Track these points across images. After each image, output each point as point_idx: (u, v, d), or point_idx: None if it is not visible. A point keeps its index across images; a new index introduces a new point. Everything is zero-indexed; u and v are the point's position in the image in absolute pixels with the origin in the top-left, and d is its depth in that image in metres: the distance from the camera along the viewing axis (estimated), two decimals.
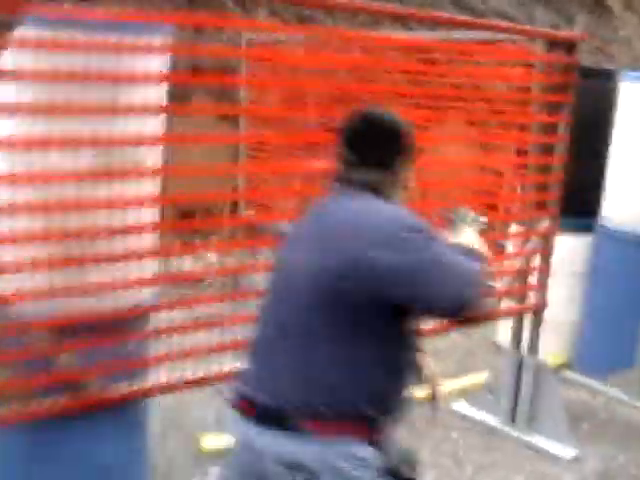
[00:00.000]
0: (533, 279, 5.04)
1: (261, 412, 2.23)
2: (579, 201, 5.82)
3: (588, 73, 5.50)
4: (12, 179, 2.84)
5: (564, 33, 5.03)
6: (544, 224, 4.90)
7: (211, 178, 3.89)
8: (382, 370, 2.22)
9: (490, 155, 6.12)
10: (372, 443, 2.22)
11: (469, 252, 2.33)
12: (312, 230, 2.30)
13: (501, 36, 5.09)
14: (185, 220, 4.90)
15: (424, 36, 6.08)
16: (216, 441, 4.48)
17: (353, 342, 2.17)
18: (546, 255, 4.99)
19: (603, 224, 6.08)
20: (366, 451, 2.20)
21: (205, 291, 6.29)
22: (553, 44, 4.81)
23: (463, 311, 2.15)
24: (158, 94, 3.16)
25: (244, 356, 2.41)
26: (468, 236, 2.52)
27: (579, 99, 4.91)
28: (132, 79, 3.00)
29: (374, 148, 2.34)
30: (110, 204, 3.01)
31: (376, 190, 2.31)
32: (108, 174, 2.98)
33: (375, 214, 2.22)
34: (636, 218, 5.79)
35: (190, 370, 3.63)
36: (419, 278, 2.13)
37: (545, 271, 5.01)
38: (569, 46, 4.84)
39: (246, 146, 7.40)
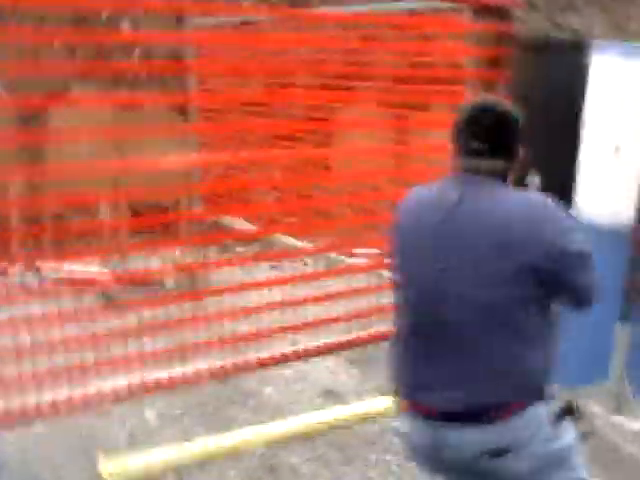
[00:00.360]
0: None
1: (449, 414, 2.40)
2: (551, 190, 4.91)
3: (550, 46, 4.86)
4: None
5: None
6: None
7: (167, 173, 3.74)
8: (545, 349, 2.44)
9: (414, 141, 5.35)
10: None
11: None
12: (464, 225, 2.38)
13: (430, 5, 4.84)
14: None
15: (348, 11, 5.79)
16: (120, 465, 4.05)
17: (526, 331, 2.37)
18: None
19: (576, 216, 4.96)
20: (541, 409, 2.43)
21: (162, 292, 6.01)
22: (481, 11, 4.36)
23: (594, 298, 2.46)
24: None
25: (397, 361, 2.59)
26: None
27: (543, 78, 4.53)
28: None
29: (501, 138, 2.46)
30: None
31: (504, 178, 2.47)
32: None
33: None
34: (612, 209, 4.89)
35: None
36: (586, 263, 2.38)
37: None
38: (501, 13, 4.40)
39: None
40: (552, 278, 2.33)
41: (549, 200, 2.39)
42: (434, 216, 2.44)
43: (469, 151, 2.45)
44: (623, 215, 4.71)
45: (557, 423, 2.49)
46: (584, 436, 3.03)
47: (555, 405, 2.52)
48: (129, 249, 5.72)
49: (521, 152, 2.50)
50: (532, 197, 2.44)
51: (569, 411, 2.57)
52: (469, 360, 2.38)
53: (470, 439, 2.39)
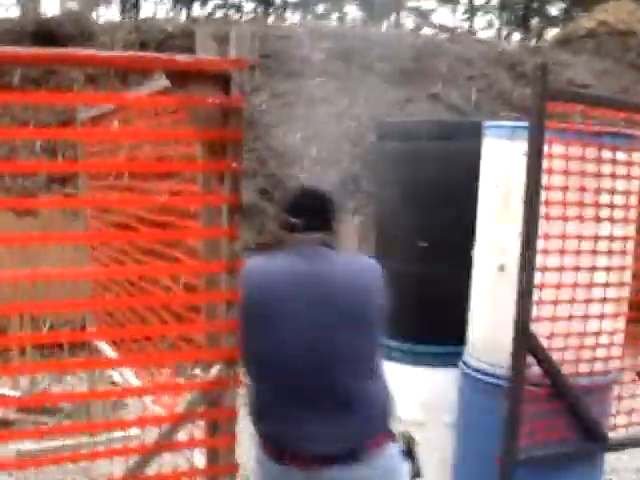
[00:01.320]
0: None
1: (322, 457, 2.77)
2: (440, 319, 4.46)
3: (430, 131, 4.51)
4: None
5: (208, 60, 2.98)
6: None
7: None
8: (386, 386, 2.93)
9: None
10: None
11: None
12: (309, 290, 2.84)
13: None
14: None
15: None
16: None
17: (375, 376, 2.90)
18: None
19: (466, 359, 4.20)
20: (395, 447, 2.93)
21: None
22: (194, 80, 2.88)
23: None
24: None
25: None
26: None
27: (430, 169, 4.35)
28: None
29: (322, 216, 2.97)
30: None
31: (330, 246, 2.95)
32: None
33: (368, 268, 3.00)
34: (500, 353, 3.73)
35: None
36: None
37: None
38: (222, 80, 2.92)
39: None
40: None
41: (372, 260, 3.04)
42: (290, 284, 2.83)
43: (298, 228, 2.89)
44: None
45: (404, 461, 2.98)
46: (416, 476, 3.22)
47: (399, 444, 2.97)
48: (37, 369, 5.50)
49: (338, 226, 3.00)
50: (361, 259, 3.03)
51: (409, 451, 3.09)
52: (340, 407, 2.76)
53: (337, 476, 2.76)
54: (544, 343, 3.61)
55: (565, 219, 3.62)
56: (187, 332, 3.32)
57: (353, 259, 3.00)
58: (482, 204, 4.04)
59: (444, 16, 39.31)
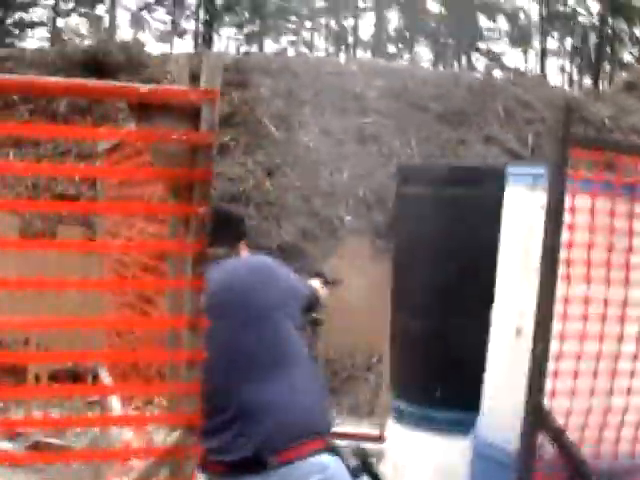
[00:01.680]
0: None
1: (232, 464, 2.80)
2: (455, 381, 4.01)
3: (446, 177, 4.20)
4: None
5: (173, 91, 2.67)
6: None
7: None
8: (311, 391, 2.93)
9: None
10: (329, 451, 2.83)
11: None
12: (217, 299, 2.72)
13: None
14: None
15: None
16: None
17: (290, 378, 2.91)
18: None
19: (479, 433, 3.80)
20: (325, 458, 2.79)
21: None
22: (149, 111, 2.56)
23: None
24: None
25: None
26: None
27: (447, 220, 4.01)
28: None
29: (223, 233, 3.04)
30: None
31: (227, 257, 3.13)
32: None
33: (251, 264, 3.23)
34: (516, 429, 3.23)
35: None
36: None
37: None
38: (191, 114, 2.57)
39: None
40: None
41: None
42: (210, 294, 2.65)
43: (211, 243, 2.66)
44: None
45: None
46: None
47: (351, 461, 2.88)
48: None
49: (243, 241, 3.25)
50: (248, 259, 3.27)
51: (366, 468, 2.98)
52: (245, 413, 2.81)
53: None
54: (560, 420, 3.18)
55: (589, 281, 3.20)
56: (146, 393, 3.00)
57: (240, 261, 3.19)
58: (502, 259, 3.65)
59: (516, 59, 38.86)
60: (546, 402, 3.15)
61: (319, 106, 11.20)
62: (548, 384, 3.16)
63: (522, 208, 3.47)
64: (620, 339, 3.29)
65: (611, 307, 3.26)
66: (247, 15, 44.02)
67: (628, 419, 3.35)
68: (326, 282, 3.73)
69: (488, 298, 3.74)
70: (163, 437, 3.27)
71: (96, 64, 10.68)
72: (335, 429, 6.96)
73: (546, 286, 3.08)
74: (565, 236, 3.11)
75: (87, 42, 10.82)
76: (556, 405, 3.18)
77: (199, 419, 2.82)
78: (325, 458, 2.83)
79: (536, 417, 3.11)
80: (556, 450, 3.19)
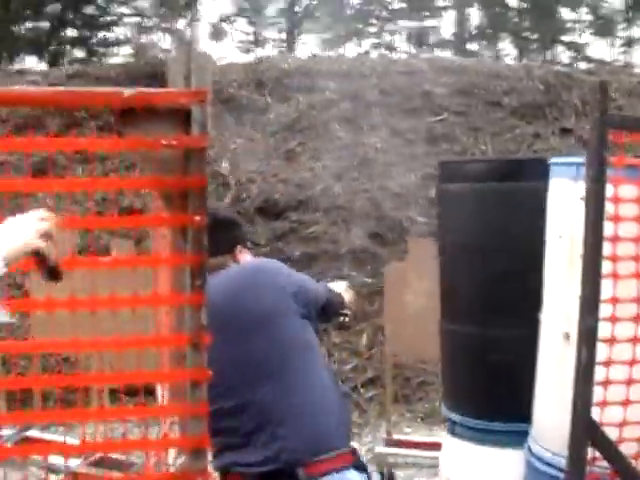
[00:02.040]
0: None
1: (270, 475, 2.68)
2: (507, 391, 3.75)
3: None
4: None
5: (158, 94, 2.42)
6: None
7: None
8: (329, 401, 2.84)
9: None
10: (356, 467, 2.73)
11: None
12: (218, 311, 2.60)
13: None
14: None
15: None
16: None
17: (303, 387, 2.79)
18: None
19: (531, 445, 3.44)
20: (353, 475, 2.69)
21: None
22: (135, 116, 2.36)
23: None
24: None
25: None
26: None
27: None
28: None
29: (215, 240, 2.65)
30: None
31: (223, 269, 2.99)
32: None
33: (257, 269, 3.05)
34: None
35: None
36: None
37: None
38: (182, 117, 2.35)
39: None
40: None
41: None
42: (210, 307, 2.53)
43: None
44: None
45: None
46: None
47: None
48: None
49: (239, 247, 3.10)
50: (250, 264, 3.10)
51: None
52: (261, 426, 2.71)
53: None
54: (613, 433, 2.88)
55: None
56: (145, 414, 2.82)
57: (236, 268, 3.03)
58: (547, 258, 3.36)
59: (601, 50, 37.89)
60: (595, 413, 2.87)
61: (387, 107, 10.96)
62: (597, 393, 2.87)
63: (566, 201, 3.17)
64: None
65: None
66: (328, 20, 44.13)
67: None
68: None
69: (540, 301, 3.46)
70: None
71: (159, 75, 10.68)
72: (407, 437, 6.74)
73: (589, 286, 2.79)
74: (609, 229, 2.82)
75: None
76: (607, 416, 2.89)
77: (207, 441, 2.64)
78: (353, 475, 2.74)
79: (583, 429, 2.82)
80: (610, 465, 2.90)
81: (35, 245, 1.71)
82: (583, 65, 25.85)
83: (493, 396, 3.78)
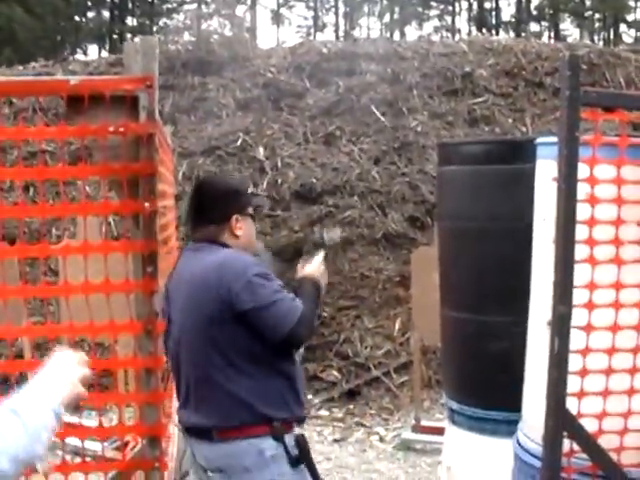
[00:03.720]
0: None
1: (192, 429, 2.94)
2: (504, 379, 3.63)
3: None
4: None
5: (103, 81, 2.62)
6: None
7: None
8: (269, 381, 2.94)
9: None
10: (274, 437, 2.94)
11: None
12: (184, 287, 2.89)
13: None
14: None
15: None
16: None
17: (245, 368, 2.89)
18: None
19: (519, 437, 3.32)
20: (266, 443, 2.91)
21: None
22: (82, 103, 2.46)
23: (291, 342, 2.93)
24: None
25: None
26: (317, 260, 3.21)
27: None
28: None
29: (207, 209, 2.99)
30: None
31: (215, 241, 2.98)
32: None
33: (228, 264, 2.89)
34: None
35: None
36: (264, 314, 2.84)
37: None
38: (130, 103, 2.48)
39: None
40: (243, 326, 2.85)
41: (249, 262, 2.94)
42: (175, 283, 2.93)
43: (190, 222, 2.98)
44: None
45: (297, 467, 2.92)
46: None
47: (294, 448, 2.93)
48: None
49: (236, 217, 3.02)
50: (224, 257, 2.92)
51: (305, 457, 2.94)
52: (197, 394, 2.89)
53: (199, 453, 2.95)
54: (594, 425, 2.78)
55: (620, 263, 2.77)
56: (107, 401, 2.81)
57: (217, 256, 2.92)
58: (535, 243, 3.25)
59: None
60: (573, 404, 2.76)
61: (427, 89, 10.80)
62: (575, 384, 2.77)
63: (549, 183, 3.05)
64: None
65: None
66: (386, 3, 43.83)
67: None
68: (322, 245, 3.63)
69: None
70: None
71: (199, 62, 10.70)
72: (436, 424, 6.63)
73: (561, 271, 2.69)
74: (585, 212, 2.71)
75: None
76: (587, 407, 2.78)
77: (163, 429, 2.61)
78: (265, 443, 2.91)
79: (557, 420, 2.72)
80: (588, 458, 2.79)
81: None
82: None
83: (490, 384, 3.69)
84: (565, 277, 2.66)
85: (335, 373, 7.93)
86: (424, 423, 6.81)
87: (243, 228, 3.06)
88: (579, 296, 2.73)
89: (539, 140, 3.20)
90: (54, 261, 6.90)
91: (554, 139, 3.13)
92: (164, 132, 3.70)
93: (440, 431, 6.47)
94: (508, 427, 3.63)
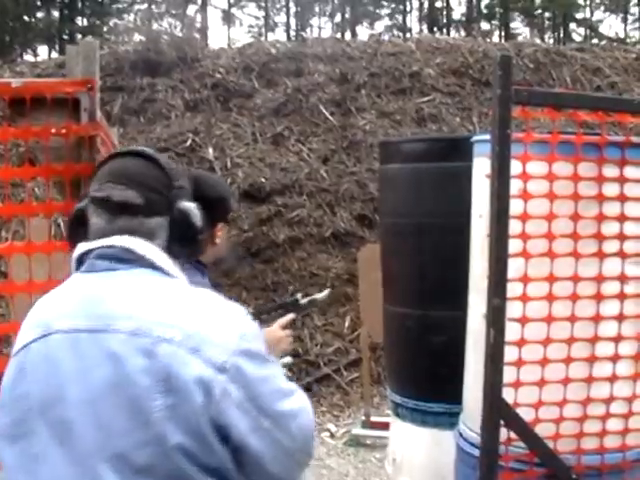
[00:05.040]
0: None
1: None
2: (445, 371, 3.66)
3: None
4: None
5: (45, 83, 2.58)
6: None
7: None
8: None
9: None
10: None
11: None
12: None
13: None
14: None
15: None
16: None
17: None
18: None
19: (460, 427, 3.37)
20: None
21: None
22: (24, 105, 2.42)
23: None
24: None
25: None
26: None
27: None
28: None
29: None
30: None
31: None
32: None
33: None
34: None
35: None
36: None
37: None
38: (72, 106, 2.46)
39: None
40: None
41: None
42: None
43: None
44: None
45: None
46: None
47: None
48: None
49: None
50: None
51: None
52: None
53: None
54: (530, 414, 2.87)
55: (553, 256, 2.87)
56: None
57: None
58: (472, 237, 3.33)
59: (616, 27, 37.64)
60: (510, 394, 2.85)
61: (375, 88, 10.90)
62: (511, 374, 2.85)
63: (484, 180, 3.14)
64: (596, 320, 2.93)
65: (584, 284, 2.92)
66: (337, 3, 43.96)
67: (613, 410, 2.99)
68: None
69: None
70: None
71: (148, 63, 10.68)
72: (386, 419, 6.71)
73: (494, 265, 2.77)
74: (518, 208, 2.80)
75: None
76: (523, 397, 2.87)
77: None
78: None
79: (494, 410, 2.81)
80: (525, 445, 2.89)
81: None
82: (596, 42, 25.58)
83: (431, 377, 3.77)
84: (499, 270, 2.75)
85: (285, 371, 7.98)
86: (374, 419, 6.90)
87: (221, 234, 2.89)
88: (513, 289, 2.81)
89: (475, 138, 3.28)
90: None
91: (487, 137, 3.22)
92: (110, 133, 3.72)
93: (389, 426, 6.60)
94: (449, 419, 3.72)
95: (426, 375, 3.79)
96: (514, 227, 2.80)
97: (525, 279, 2.83)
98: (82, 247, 1.74)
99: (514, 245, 2.80)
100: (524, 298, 2.83)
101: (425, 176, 3.74)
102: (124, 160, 1.76)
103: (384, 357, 4.29)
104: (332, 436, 7.08)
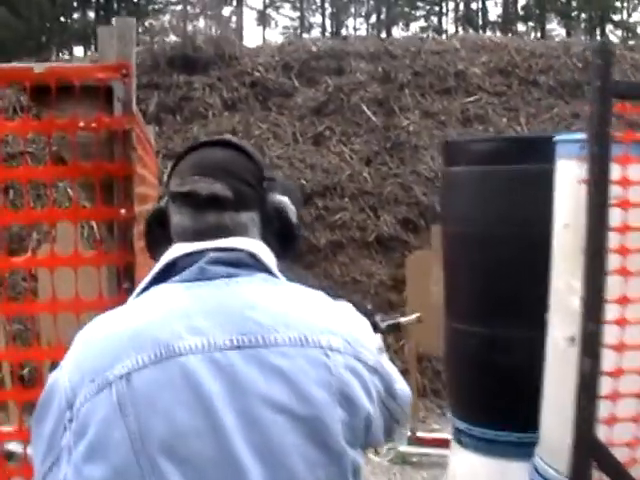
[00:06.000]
0: None
1: None
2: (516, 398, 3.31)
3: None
4: None
5: (73, 68, 2.23)
6: None
7: None
8: None
9: None
10: None
11: None
12: None
13: None
14: None
15: None
16: None
17: None
18: None
19: (536, 462, 2.99)
20: None
21: None
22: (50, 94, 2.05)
23: None
24: None
25: None
26: None
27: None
28: None
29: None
30: None
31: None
32: None
33: None
34: None
35: None
36: None
37: None
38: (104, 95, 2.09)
39: None
40: None
41: None
42: None
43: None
44: None
45: None
46: None
47: None
48: None
49: None
50: None
51: None
52: None
53: None
54: (623, 454, 2.49)
55: None
56: None
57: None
58: (554, 250, 2.96)
59: None
60: (603, 431, 2.48)
61: (419, 87, 10.52)
62: (605, 408, 2.48)
63: (571, 185, 2.76)
64: None
65: None
66: (372, 4, 43.67)
67: None
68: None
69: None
70: None
71: (185, 60, 10.39)
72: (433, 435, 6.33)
73: (590, 284, 2.39)
74: (616, 217, 2.43)
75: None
76: (617, 435, 2.50)
77: None
78: None
79: (586, 449, 2.43)
80: None
81: None
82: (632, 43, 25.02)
83: (500, 403, 3.40)
84: (596, 291, 2.37)
85: None
86: (420, 434, 6.53)
87: None
88: (610, 312, 2.44)
89: (558, 137, 2.91)
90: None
91: (576, 137, 2.85)
92: (146, 130, 3.38)
93: (437, 443, 6.20)
94: (517, 449, 3.36)
95: (493, 400, 3.42)
96: (612, 240, 2.42)
97: (623, 300, 2.45)
98: (178, 249, 1.47)
99: (611, 261, 2.43)
100: (621, 322, 2.46)
101: (495, 180, 3.38)
102: (209, 150, 1.56)
103: (445, 379, 3.91)
104: (377, 453, 6.70)
